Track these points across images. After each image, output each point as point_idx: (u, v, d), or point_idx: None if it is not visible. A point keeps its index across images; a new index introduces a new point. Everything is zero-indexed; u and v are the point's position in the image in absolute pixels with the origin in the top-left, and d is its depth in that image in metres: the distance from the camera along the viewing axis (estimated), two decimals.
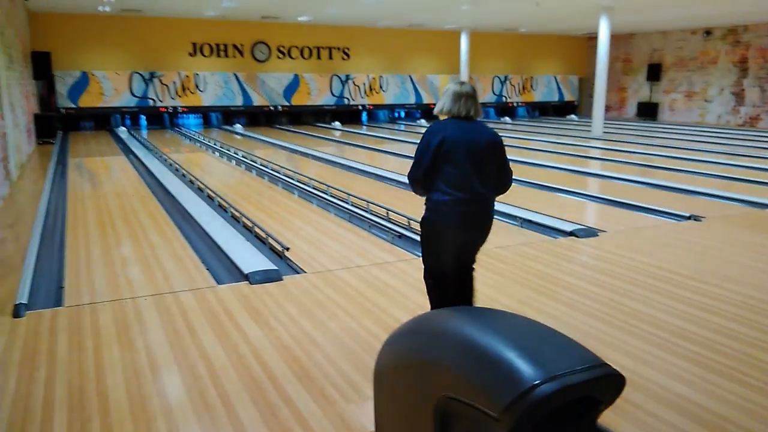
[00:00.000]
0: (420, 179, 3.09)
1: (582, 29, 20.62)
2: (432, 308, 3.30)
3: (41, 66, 14.28)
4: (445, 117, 3.17)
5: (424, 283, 3.39)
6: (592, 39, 22.48)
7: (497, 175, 3.18)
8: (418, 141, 3.15)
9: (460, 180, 3.03)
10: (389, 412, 2.08)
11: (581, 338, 3.40)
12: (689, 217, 6.43)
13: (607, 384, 1.67)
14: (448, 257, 3.21)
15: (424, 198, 3.19)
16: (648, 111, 21.22)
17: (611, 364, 1.64)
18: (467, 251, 3.29)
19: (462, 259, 3.28)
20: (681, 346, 3.34)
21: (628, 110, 22.25)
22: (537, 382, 1.54)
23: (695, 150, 12.56)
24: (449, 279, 3.28)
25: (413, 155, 3.14)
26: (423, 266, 3.33)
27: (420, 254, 3.39)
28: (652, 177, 9.10)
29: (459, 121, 3.12)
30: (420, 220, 3.23)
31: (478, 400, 1.62)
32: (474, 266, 3.39)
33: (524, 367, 1.60)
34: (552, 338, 1.86)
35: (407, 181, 3.19)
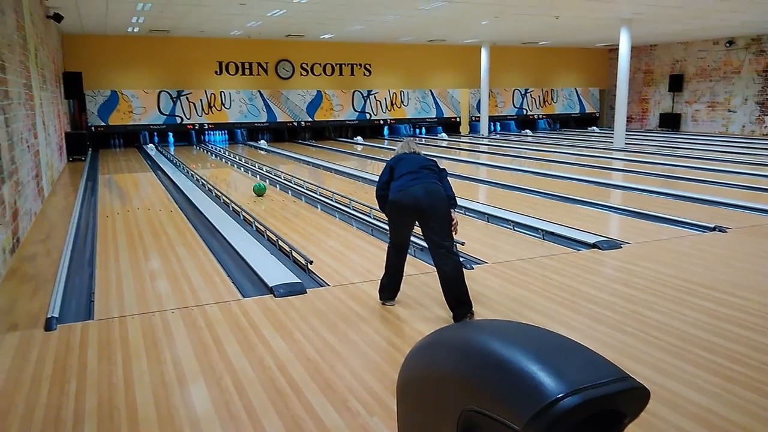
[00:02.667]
0: None
1: (602, 41, 20.55)
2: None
3: (73, 86, 14.67)
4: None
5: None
6: (612, 51, 22.40)
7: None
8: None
9: None
10: (412, 424, 2.10)
11: (604, 351, 3.39)
12: (714, 228, 6.35)
13: (631, 397, 1.66)
14: None
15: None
16: (670, 122, 21.01)
17: (634, 376, 1.64)
18: None
19: None
20: (706, 358, 3.31)
21: (651, 121, 22.05)
22: (560, 395, 1.54)
23: (719, 160, 12.40)
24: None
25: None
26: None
27: None
28: (675, 188, 9.01)
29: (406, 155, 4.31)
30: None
31: (501, 413, 1.64)
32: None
33: (547, 381, 1.60)
34: (575, 351, 1.86)
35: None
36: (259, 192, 8.99)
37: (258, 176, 11.11)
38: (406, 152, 4.26)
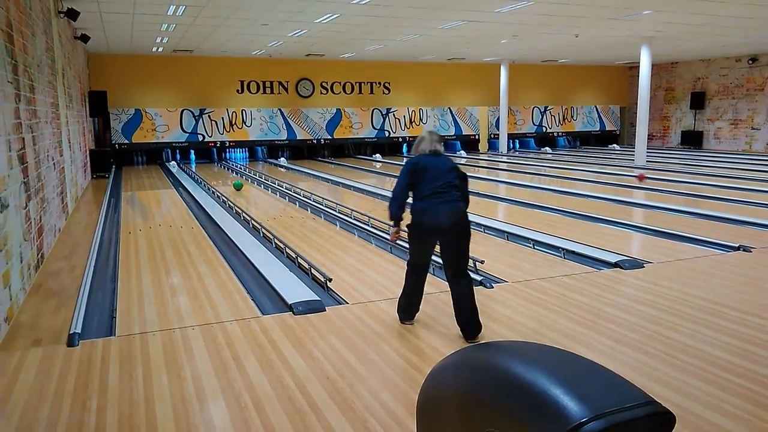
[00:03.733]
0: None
1: (623, 59, 20.48)
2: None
3: (98, 104, 14.98)
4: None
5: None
6: (633, 68, 22.30)
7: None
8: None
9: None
10: None
11: (627, 373, 3.33)
12: (738, 248, 6.24)
13: (656, 422, 1.63)
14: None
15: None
16: (692, 139, 20.80)
17: (659, 400, 1.62)
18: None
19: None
20: (731, 381, 3.24)
21: (672, 139, 21.85)
22: (584, 419, 1.52)
23: (743, 179, 12.22)
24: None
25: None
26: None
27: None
28: (698, 207, 8.89)
29: (429, 156, 4.08)
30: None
31: None
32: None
33: (571, 405, 1.59)
34: (599, 374, 1.83)
35: (390, 204, 4.08)
36: (238, 188, 11.26)
37: (278, 193, 11.20)
38: (428, 153, 4.06)
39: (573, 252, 6.11)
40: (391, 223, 4.15)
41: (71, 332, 4.05)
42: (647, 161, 15.73)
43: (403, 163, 4.03)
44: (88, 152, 13.89)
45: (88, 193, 11.78)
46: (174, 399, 3.15)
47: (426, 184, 3.92)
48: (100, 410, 3.05)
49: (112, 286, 5.29)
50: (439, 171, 3.97)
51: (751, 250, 6.20)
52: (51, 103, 7.95)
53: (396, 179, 4.05)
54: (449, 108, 21.17)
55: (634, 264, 5.66)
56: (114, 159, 16.69)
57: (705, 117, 20.61)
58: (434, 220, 3.85)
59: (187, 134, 17.98)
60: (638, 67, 15.57)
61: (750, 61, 18.99)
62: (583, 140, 23.43)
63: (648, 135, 16.64)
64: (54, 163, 7.74)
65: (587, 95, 23.19)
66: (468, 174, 4.19)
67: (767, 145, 18.80)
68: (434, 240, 3.99)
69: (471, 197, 4.20)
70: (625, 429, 1.57)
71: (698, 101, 20.50)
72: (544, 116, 22.53)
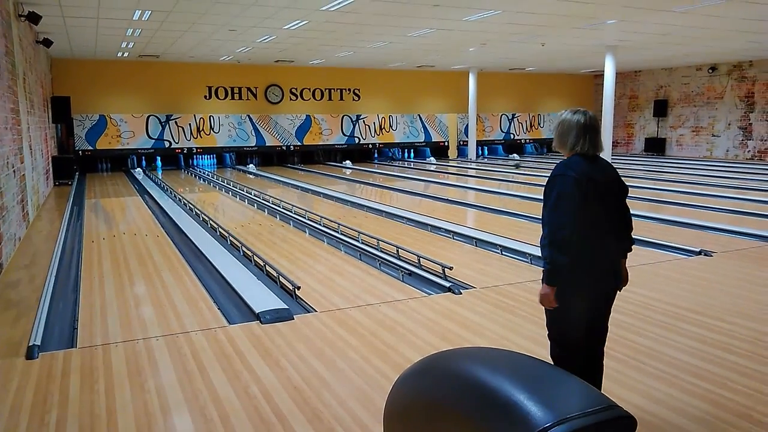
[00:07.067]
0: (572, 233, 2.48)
1: (588, 67, 20.89)
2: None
3: (60, 110, 14.65)
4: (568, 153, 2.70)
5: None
6: (598, 77, 22.75)
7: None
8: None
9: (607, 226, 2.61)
10: None
11: None
12: (699, 252, 6.40)
13: (618, 426, 1.66)
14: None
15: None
16: (656, 146, 21.31)
17: (622, 403, 1.64)
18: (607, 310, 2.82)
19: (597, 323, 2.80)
20: (694, 384, 3.31)
21: (636, 146, 22.34)
22: (547, 425, 1.55)
23: (704, 184, 12.55)
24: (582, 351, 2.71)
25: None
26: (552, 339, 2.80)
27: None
28: (661, 212, 9.09)
29: (587, 161, 2.61)
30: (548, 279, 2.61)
31: None
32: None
33: (534, 410, 1.61)
34: (563, 380, 1.86)
35: (550, 245, 2.55)
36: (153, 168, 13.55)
37: (246, 200, 11.10)
38: (587, 157, 2.64)
39: (540, 257, 6.16)
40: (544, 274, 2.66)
41: (30, 344, 3.93)
42: None
43: (554, 174, 2.63)
44: (50, 159, 13.57)
45: (50, 201, 11.49)
46: (137, 412, 3.08)
47: (590, 213, 2.53)
48: (59, 424, 2.96)
49: (73, 297, 5.16)
50: (608, 190, 2.60)
51: (712, 254, 6.36)
52: (11, 108, 7.74)
53: (550, 205, 2.60)
54: (419, 115, 21.28)
55: None
56: (77, 166, 16.34)
57: (668, 124, 21.14)
58: (601, 284, 2.64)
59: (154, 140, 17.70)
60: (603, 75, 15.90)
61: (710, 70, 19.56)
62: (550, 147, 23.79)
63: (613, 142, 17.00)
64: (14, 171, 7.53)
65: (554, 103, 23.57)
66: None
67: (727, 151, 19.35)
68: (600, 301, 2.75)
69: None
70: None
71: (661, 109, 21.03)
72: (512, 123, 22.81)
